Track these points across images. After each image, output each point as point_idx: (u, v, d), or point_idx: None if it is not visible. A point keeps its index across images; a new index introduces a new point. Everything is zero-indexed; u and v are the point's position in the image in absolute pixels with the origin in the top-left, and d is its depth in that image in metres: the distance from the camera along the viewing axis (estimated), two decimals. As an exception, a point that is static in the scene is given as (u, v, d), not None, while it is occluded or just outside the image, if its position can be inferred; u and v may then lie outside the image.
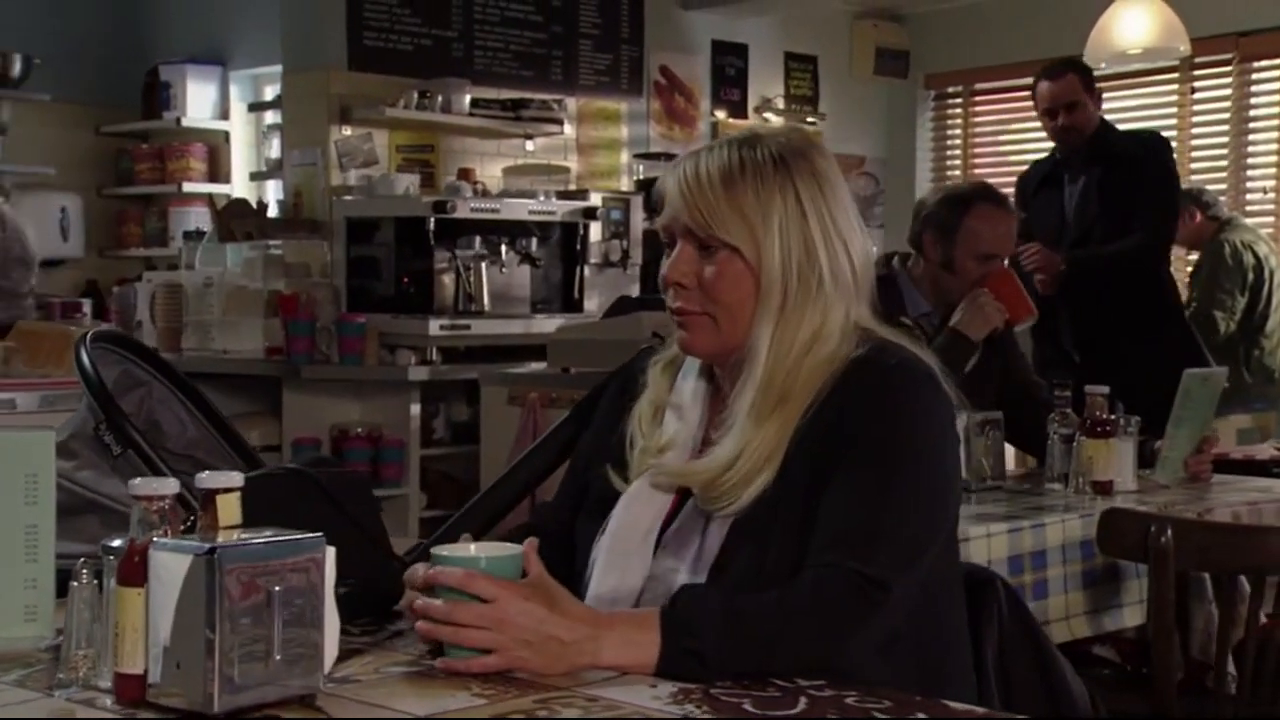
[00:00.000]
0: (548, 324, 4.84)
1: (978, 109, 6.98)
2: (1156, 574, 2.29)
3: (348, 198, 5.07)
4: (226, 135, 6.01)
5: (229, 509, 1.34)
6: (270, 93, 5.83)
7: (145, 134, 6.13)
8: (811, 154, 1.60)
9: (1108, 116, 4.28)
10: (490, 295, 4.93)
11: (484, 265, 4.90)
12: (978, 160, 6.95)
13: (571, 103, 5.75)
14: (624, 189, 5.78)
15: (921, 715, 1.30)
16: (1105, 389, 2.87)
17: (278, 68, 5.41)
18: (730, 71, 6.41)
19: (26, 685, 1.36)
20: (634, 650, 1.40)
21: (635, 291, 5.37)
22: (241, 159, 5.96)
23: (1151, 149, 4.39)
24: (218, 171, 5.98)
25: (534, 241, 5.09)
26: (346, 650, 1.48)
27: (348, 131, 5.12)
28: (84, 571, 1.35)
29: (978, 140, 6.97)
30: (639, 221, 5.38)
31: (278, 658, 1.26)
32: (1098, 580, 2.54)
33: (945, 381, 1.56)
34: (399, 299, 4.85)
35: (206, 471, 1.34)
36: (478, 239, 4.93)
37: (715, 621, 1.41)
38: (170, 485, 1.32)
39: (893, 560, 1.47)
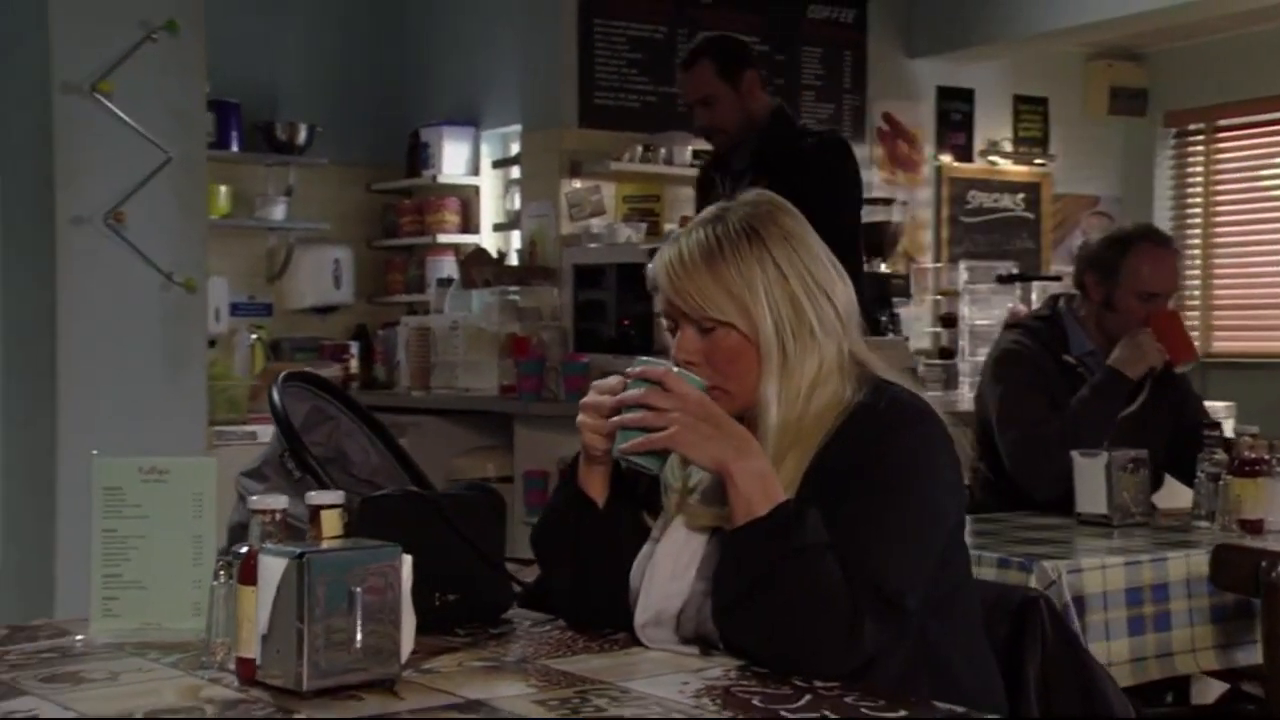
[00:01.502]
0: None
1: (1221, 146, 6.84)
2: (1268, 608, 2.34)
3: (577, 246, 5.42)
4: (477, 189, 6.47)
5: (331, 522, 1.63)
6: (514, 150, 6.27)
7: (409, 190, 6.66)
8: (779, 217, 1.77)
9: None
10: (706, 337, 5.17)
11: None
12: (1220, 197, 6.81)
13: (793, 151, 5.96)
14: (846, 233, 5.95)
15: (902, 713, 1.46)
16: (1255, 428, 2.90)
17: (519, 127, 5.83)
18: (956, 116, 6.50)
19: (179, 666, 1.66)
20: (756, 487, 1.64)
21: (852, 333, 5.52)
22: (489, 211, 6.40)
23: (817, 153, 3.60)
24: (469, 223, 6.44)
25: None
26: (443, 648, 1.74)
27: (577, 184, 5.48)
28: (221, 573, 1.66)
29: (1221, 177, 6.83)
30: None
31: (358, 647, 1.53)
32: (1227, 615, 2.58)
33: (941, 422, 1.74)
34: (620, 340, 5.15)
35: (314, 491, 1.63)
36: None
37: (811, 543, 1.62)
38: (280, 501, 1.61)
39: (903, 581, 1.64)
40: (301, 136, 6.32)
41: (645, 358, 1.77)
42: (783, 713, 1.47)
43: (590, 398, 1.76)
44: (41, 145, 3.24)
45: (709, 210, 1.81)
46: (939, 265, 6.29)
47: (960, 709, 1.50)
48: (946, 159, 6.44)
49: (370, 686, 1.53)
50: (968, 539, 2.78)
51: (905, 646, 1.70)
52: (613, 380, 1.76)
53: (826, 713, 1.47)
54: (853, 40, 6.20)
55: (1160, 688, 2.72)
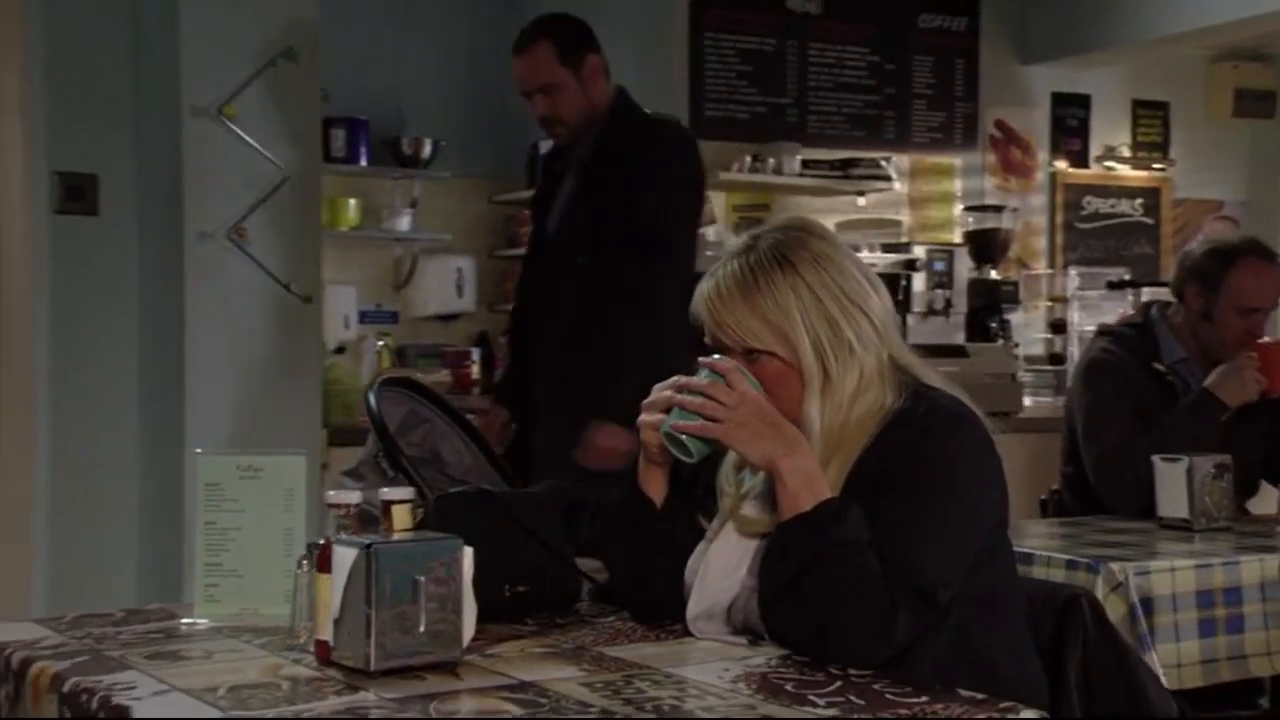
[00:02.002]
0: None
1: (1353, 146, 6.71)
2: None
3: (687, 255, 5.53)
4: (593, 200, 6.62)
5: (402, 516, 1.77)
6: (628, 161, 6.41)
7: (528, 201, 6.83)
8: (807, 240, 1.84)
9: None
10: (814, 344, 5.25)
11: (807, 316, 5.23)
12: (1349, 200, 6.68)
13: (902, 159, 6.01)
14: (957, 241, 5.98)
15: (924, 698, 1.55)
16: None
17: (630, 139, 5.98)
18: (1071, 122, 6.47)
19: (267, 648, 1.82)
20: (803, 485, 1.74)
21: (961, 339, 5.55)
22: (606, 221, 6.55)
23: (660, 144, 3.23)
24: (584, 233, 6.60)
25: (856, 293, 5.37)
26: (510, 635, 1.87)
27: (687, 195, 5.59)
28: (304, 562, 1.81)
29: (1350, 179, 6.70)
30: (964, 272, 5.57)
31: (421, 631, 1.66)
32: (1305, 618, 2.61)
33: (981, 423, 1.81)
34: (729, 346, 5.24)
35: (386, 488, 1.78)
36: (802, 291, 5.26)
37: (851, 539, 1.72)
38: (353, 497, 1.76)
39: (939, 575, 1.73)
40: (426, 151, 6.53)
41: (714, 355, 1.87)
42: (810, 696, 1.57)
43: (651, 397, 1.87)
44: (172, 166, 3.47)
45: (740, 240, 1.89)
46: (1051, 271, 6.28)
47: (980, 695, 1.59)
48: (1061, 165, 6.42)
49: (433, 668, 1.67)
50: (1046, 540, 2.87)
51: (945, 640, 1.78)
52: (680, 379, 1.86)
53: (852, 697, 1.57)
54: (965, 48, 6.22)
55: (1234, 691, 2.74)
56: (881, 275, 5.42)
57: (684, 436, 1.82)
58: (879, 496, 1.77)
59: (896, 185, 5.96)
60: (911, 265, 5.50)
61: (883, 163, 5.87)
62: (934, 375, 1.91)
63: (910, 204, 6.10)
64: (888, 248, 5.62)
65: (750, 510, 1.88)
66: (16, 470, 3.56)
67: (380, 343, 6.47)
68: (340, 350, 6.12)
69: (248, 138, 3.45)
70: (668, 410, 1.83)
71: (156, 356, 3.54)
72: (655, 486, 1.94)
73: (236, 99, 3.45)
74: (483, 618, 1.88)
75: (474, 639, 1.78)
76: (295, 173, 3.51)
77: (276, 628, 1.88)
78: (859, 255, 5.45)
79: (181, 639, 1.88)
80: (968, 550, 1.78)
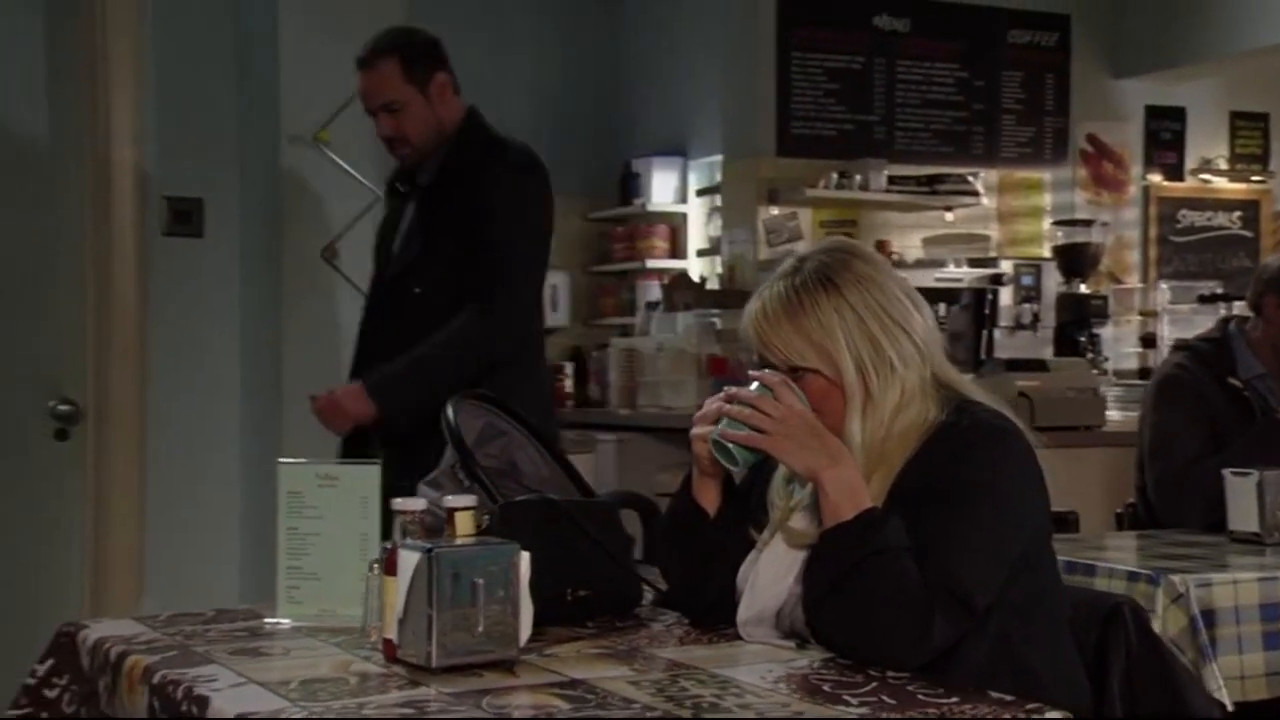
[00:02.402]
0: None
1: None
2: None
3: (773, 271, 5.61)
4: (684, 217, 6.74)
5: (464, 522, 1.88)
6: (718, 178, 6.51)
7: (622, 218, 6.97)
8: (852, 263, 1.91)
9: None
10: (900, 358, 5.30)
11: (892, 331, 5.28)
12: None
13: (990, 174, 6.03)
14: (1045, 255, 5.99)
15: (954, 699, 1.62)
16: None
17: (722, 157, 6.08)
18: (1166, 135, 6.45)
19: (341, 646, 1.93)
20: (844, 495, 1.82)
21: (1049, 353, 5.56)
22: (695, 237, 6.66)
23: (510, 171, 3.11)
24: (677, 248, 6.71)
25: (941, 307, 5.42)
26: (569, 637, 1.97)
27: (775, 211, 5.68)
28: (374, 565, 1.92)
29: None
30: (1052, 286, 5.58)
31: (480, 631, 1.77)
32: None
33: (1021, 434, 1.88)
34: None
35: (450, 496, 1.89)
36: (887, 306, 5.32)
37: (889, 546, 1.79)
38: (418, 504, 1.87)
39: (975, 582, 1.79)
40: (521, 169, 6.70)
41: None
42: (845, 695, 1.65)
43: (703, 409, 1.96)
44: (271, 189, 3.64)
45: (787, 263, 1.97)
46: (1143, 286, 6.25)
47: (1009, 697, 1.65)
48: (1155, 178, 6.39)
49: (492, 666, 1.77)
50: (1114, 551, 2.90)
51: (985, 646, 1.84)
52: (731, 390, 1.95)
53: (884, 697, 1.65)
54: (1055, 63, 6.23)
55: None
56: (967, 290, 5.57)
57: (731, 445, 1.90)
58: (920, 507, 1.84)
59: (984, 200, 5.99)
60: (998, 280, 5.53)
61: (970, 178, 5.90)
62: (976, 391, 1.98)
63: (998, 219, 6.12)
64: (974, 262, 5.65)
65: (799, 522, 1.96)
66: (129, 479, 3.74)
67: (477, 357, 6.63)
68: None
69: (340, 161, 3.60)
70: (717, 421, 1.92)
71: (256, 369, 3.70)
72: (708, 497, 2.03)
73: (330, 125, 3.60)
74: (544, 620, 1.99)
75: (535, 640, 1.88)
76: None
77: (351, 628, 1.99)
78: (946, 269, 5.55)
79: (263, 637, 2.00)
80: (1005, 558, 1.85)
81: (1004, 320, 5.63)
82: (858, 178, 5.65)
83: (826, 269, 1.90)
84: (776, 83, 5.76)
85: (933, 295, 5.44)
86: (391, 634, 1.80)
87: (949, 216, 5.96)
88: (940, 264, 5.51)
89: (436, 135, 3.04)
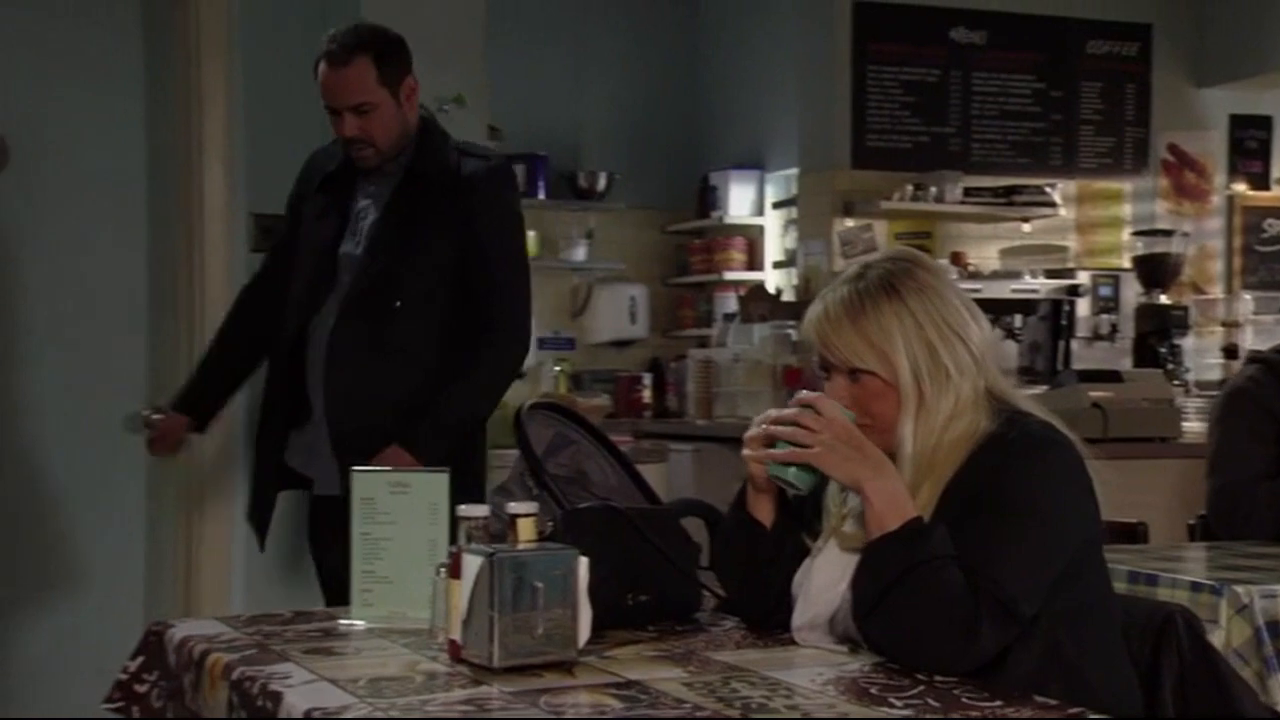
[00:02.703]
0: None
1: None
2: None
3: (848, 283, 5.65)
4: (761, 229, 6.79)
5: (526, 528, 1.95)
6: (793, 191, 6.56)
7: (700, 231, 7.05)
8: (915, 272, 1.96)
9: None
10: (976, 369, 5.31)
11: (968, 342, 5.30)
12: None
13: (1069, 185, 6.02)
14: (1125, 266, 5.96)
15: (998, 702, 1.66)
16: None
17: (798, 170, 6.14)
18: (1251, 144, 6.39)
19: (409, 646, 2.01)
20: (889, 505, 1.87)
21: (1128, 364, 5.53)
22: (772, 249, 6.71)
23: (483, 180, 3.02)
24: (754, 261, 6.77)
25: (1017, 318, 5.42)
26: (629, 640, 2.03)
27: (849, 223, 5.72)
28: (442, 569, 2.00)
29: None
30: (1131, 297, 5.56)
31: (539, 633, 1.83)
32: None
33: (1070, 445, 1.92)
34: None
35: (512, 503, 1.96)
36: (962, 317, 5.34)
37: (935, 555, 1.83)
38: (482, 510, 1.95)
39: (1022, 590, 1.83)
40: (601, 184, 6.81)
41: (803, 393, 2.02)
42: (891, 698, 1.69)
43: (751, 431, 2.02)
44: (351, 205, 3.75)
45: (851, 269, 2.02)
46: (1226, 296, 6.20)
47: (1053, 701, 1.69)
48: (1240, 187, 6.34)
49: (551, 667, 1.83)
50: (1180, 562, 2.91)
51: (1036, 654, 1.87)
52: (772, 413, 2.02)
53: (930, 700, 1.69)
54: (1136, 73, 6.21)
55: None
56: (1044, 301, 5.56)
57: (791, 471, 1.96)
58: (968, 517, 1.88)
59: (1062, 211, 5.97)
60: (1075, 290, 5.51)
61: (1048, 189, 5.89)
62: (1029, 403, 2.01)
63: (1077, 229, 6.11)
64: (1051, 273, 5.64)
65: (852, 529, 2.01)
66: (221, 486, 3.86)
67: (558, 368, 6.74)
68: (521, 375, 6.40)
69: (420, 179, 3.70)
70: (769, 443, 1.98)
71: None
72: (763, 511, 2.08)
73: (410, 144, 3.69)
74: (606, 623, 2.06)
75: (595, 642, 1.95)
76: (465, 210, 3.75)
77: (420, 629, 2.07)
78: (1022, 279, 5.53)
79: (337, 638, 2.09)
80: (1051, 567, 1.88)
81: (1082, 331, 5.62)
82: (933, 190, 5.67)
83: (890, 276, 1.96)
84: (852, 96, 5.81)
85: (1009, 306, 5.45)
86: (456, 635, 1.87)
87: (1026, 228, 5.96)
88: (1016, 275, 5.51)
89: (402, 139, 2.99)
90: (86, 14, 4.11)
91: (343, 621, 2.19)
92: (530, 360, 6.58)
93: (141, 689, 2.19)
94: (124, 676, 2.19)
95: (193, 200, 3.72)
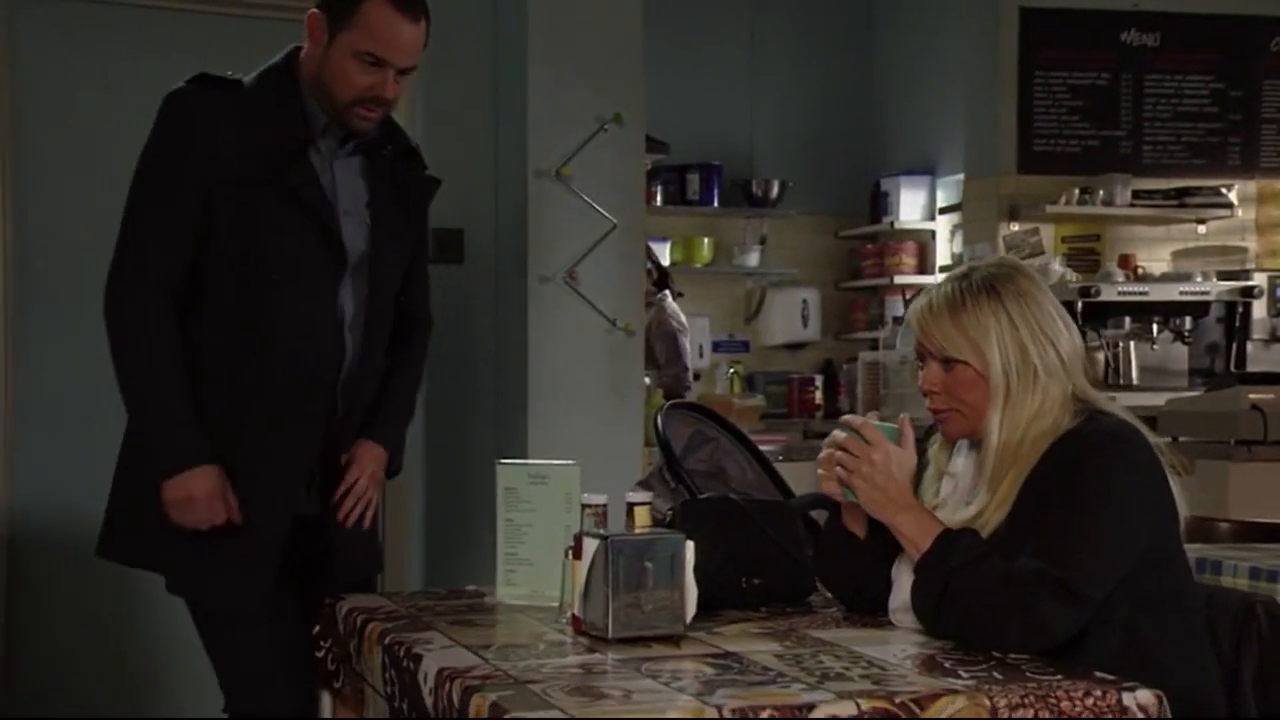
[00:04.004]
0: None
1: None
2: None
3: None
4: (932, 233, 6.87)
5: (642, 516, 2.17)
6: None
7: (872, 235, 7.16)
8: (1016, 278, 2.12)
9: None
10: (1142, 369, 5.34)
11: (1132, 343, 5.32)
12: None
13: (1247, 185, 5.95)
14: (1308, 268, 5.88)
15: (1058, 676, 1.80)
16: None
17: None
18: None
19: (543, 620, 2.22)
20: (918, 531, 2.06)
21: (1307, 366, 5.47)
22: (942, 253, 6.79)
23: (418, 153, 2.75)
24: (924, 264, 6.85)
25: (1187, 320, 5.41)
26: (739, 619, 2.22)
27: (1015, 228, 5.78)
28: (567, 552, 2.23)
29: None
30: (1312, 299, 5.50)
31: (649, 609, 2.04)
32: None
33: (1143, 437, 2.04)
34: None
35: (630, 492, 2.18)
36: (1127, 319, 5.37)
37: (969, 558, 2.00)
38: (601, 498, 2.17)
39: (1086, 572, 1.95)
40: (774, 191, 6.99)
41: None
42: (959, 670, 1.85)
43: (821, 454, 2.19)
44: (521, 218, 4.02)
45: (959, 269, 2.19)
46: None
47: (1110, 676, 1.82)
48: None
49: (660, 639, 2.04)
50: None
51: (1113, 639, 1.99)
52: (838, 435, 2.18)
53: (995, 672, 1.85)
54: (1320, 70, 6.10)
55: None
56: (1222, 304, 5.50)
57: (849, 490, 2.15)
58: (1042, 508, 2.02)
59: (1239, 212, 5.92)
60: (1250, 292, 5.47)
61: (1224, 190, 5.84)
62: (1112, 406, 2.14)
63: (1257, 230, 6.03)
64: (1224, 275, 5.60)
65: (942, 516, 2.18)
66: (403, 478, 4.17)
67: (731, 370, 6.95)
68: (696, 377, 6.63)
69: (581, 194, 3.96)
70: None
71: (507, 381, 4.09)
72: (857, 524, 2.24)
73: (572, 161, 3.96)
74: (722, 604, 2.26)
75: (709, 619, 2.16)
76: (621, 222, 3.99)
77: (555, 606, 2.30)
78: (1193, 281, 5.47)
79: (481, 612, 2.34)
80: (1119, 550, 1.99)
81: (1256, 333, 5.56)
82: (1101, 193, 5.68)
83: (993, 279, 2.12)
84: (1018, 101, 5.86)
85: (1178, 309, 5.44)
86: (578, 609, 2.10)
87: (1201, 229, 5.92)
88: (1187, 278, 5.49)
89: None
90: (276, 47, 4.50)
91: (489, 598, 2.43)
92: (704, 362, 6.82)
93: (319, 654, 2.48)
94: (303, 644, 2.48)
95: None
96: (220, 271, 2.56)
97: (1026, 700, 1.73)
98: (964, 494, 2.18)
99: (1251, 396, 4.22)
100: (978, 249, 5.94)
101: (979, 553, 2.01)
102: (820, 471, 2.19)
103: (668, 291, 5.63)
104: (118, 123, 3.93)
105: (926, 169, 6.86)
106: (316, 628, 2.50)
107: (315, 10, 2.55)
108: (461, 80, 4.11)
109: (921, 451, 2.29)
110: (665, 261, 6.74)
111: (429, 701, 1.88)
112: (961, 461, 2.22)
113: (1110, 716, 1.75)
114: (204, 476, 2.52)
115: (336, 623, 2.42)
